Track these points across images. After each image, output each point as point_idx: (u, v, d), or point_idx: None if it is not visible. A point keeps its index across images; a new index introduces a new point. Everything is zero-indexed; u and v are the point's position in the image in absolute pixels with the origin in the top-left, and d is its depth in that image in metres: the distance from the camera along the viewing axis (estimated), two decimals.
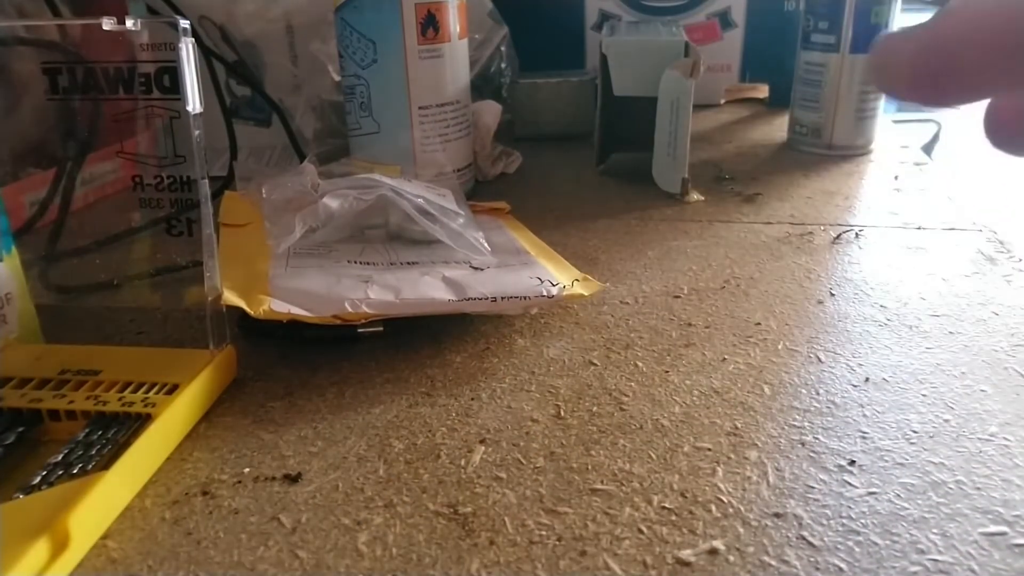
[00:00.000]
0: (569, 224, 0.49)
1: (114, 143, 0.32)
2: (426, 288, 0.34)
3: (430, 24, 0.49)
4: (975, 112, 0.19)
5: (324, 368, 0.33)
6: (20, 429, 0.27)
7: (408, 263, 0.37)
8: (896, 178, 0.57)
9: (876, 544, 0.22)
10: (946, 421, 0.28)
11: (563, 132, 0.70)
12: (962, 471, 0.25)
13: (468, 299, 0.33)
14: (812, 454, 0.26)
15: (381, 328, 0.34)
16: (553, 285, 0.34)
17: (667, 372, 0.32)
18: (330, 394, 0.31)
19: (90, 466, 0.25)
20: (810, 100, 0.63)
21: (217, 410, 0.30)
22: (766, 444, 0.27)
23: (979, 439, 0.27)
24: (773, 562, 0.22)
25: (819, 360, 0.32)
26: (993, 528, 0.23)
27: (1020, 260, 0.42)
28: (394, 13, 0.48)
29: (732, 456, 0.26)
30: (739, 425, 0.28)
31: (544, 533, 0.23)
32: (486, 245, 0.40)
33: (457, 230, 0.40)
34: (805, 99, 0.64)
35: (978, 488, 0.24)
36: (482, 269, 0.37)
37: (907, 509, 0.24)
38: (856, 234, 0.46)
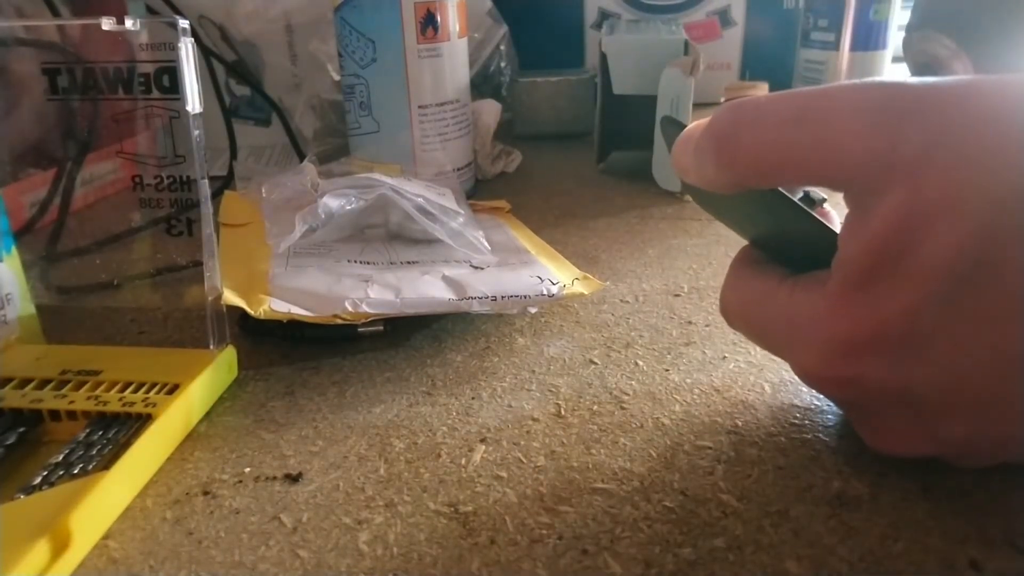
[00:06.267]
0: (569, 223, 0.49)
1: (114, 143, 0.32)
2: (426, 287, 0.34)
3: (430, 23, 0.49)
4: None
5: (325, 367, 0.33)
6: (21, 429, 0.27)
7: (408, 262, 0.37)
8: None
9: (877, 544, 0.22)
10: None
11: (563, 131, 0.70)
12: (963, 469, 0.25)
13: (468, 298, 0.33)
14: (813, 452, 0.26)
15: (381, 327, 0.34)
16: (553, 284, 0.34)
17: (667, 371, 0.32)
18: (331, 393, 0.31)
19: (91, 466, 0.25)
20: None
21: (218, 410, 0.30)
22: (767, 442, 0.27)
23: None
24: (773, 561, 0.22)
25: None
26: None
27: None
28: (394, 12, 0.48)
29: (733, 454, 0.26)
30: (739, 423, 0.28)
31: (545, 532, 0.23)
32: (486, 244, 0.40)
33: (457, 229, 0.40)
34: None
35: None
36: (482, 268, 0.37)
37: (909, 509, 0.24)
38: None
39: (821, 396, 0.29)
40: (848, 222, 0.21)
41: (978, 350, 0.20)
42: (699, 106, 0.50)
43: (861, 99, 0.20)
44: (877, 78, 0.20)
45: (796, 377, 0.24)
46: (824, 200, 0.27)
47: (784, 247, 0.25)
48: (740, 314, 0.26)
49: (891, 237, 0.19)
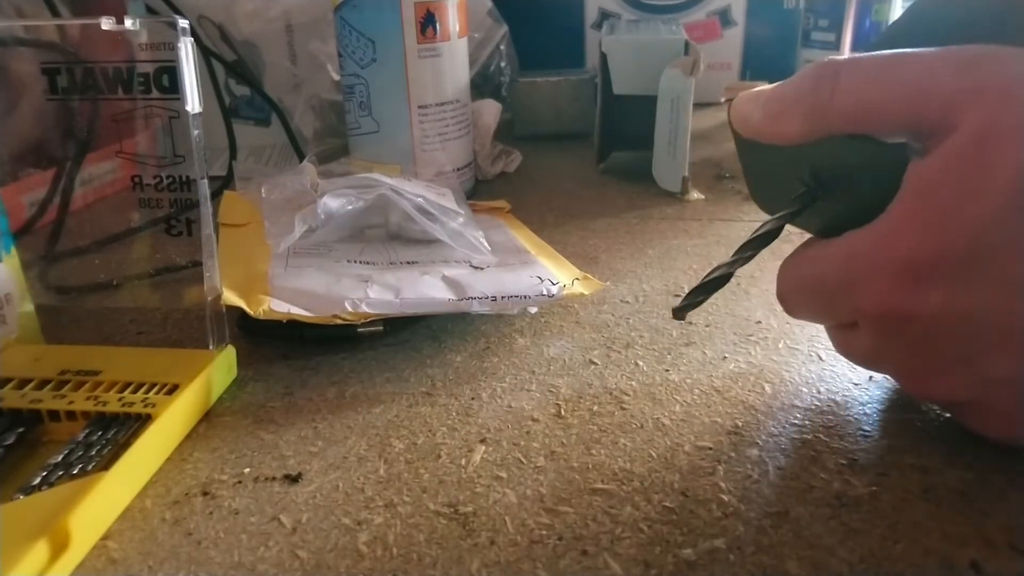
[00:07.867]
0: (569, 223, 0.49)
1: (113, 143, 0.32)
2: (426, 287, 0.34)
3: (429, 23, 0.49)
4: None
5: (324, 368, 0.33)
6: (20, 430, 0.27)
7: (408, 262, 0.37)
8: None
9: (878, 545, 0.22)
10: (949, 419, 0.28)
11: (563, 131, 0.70)
12: (965, 471, 0.25)
13: (468, 298, 0.33)
14: (813, 453, 0.26)
15: (381, 327, 0.34)
16: (553, 284, 0.34)
17: (668, 371, 0.32)
18: (330, 394, 0.31)
19: (90, 467, 0.25)
20: None
21: (217, 410, 0.30)
22: (767, 443, 0.27)
23: (981, 438, 0.27)
24: (773, 562, 0.22)
25: (820, 359, 0.32)
26: None
27: None
28: (394, 12, 0.48)
29: (733, 455, 0.26)
30: (740, 424, 0.28)
31: (545, 532, 0.23)
32: (486, 244, 0.40)
33: (457, 229, 0.40)
34: None
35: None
36: (482, 268, 0.37)
37: (909, 509, 0.24)
38: None
39: (821, 396, 0.29)
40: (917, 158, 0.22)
41: None
42: (699, 106, 0.50)
43: (952, 52, 0.22)
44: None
45: (833, 348, 0.26)
46: None
47: (844, 202, 0.25)
48: (796, 280, 0.26)
49: (962, 156, 0.20)
